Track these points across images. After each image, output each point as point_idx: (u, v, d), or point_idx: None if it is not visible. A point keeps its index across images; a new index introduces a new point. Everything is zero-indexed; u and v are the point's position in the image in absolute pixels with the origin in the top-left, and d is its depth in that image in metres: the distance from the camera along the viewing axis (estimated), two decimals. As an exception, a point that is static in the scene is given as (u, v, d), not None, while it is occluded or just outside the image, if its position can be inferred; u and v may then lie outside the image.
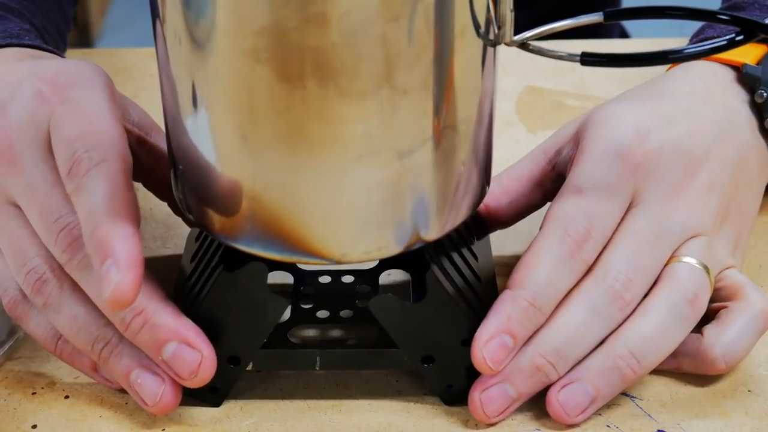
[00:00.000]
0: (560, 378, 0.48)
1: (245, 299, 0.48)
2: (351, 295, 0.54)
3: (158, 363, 0.48)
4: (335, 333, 0.53)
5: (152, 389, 0.48)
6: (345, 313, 0.53)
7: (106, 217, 0.44)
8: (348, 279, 0.55)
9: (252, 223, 0.44)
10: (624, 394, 0.50)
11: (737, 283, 0.51)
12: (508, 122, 0.70)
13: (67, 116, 0.48)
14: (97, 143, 0.46)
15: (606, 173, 0.50)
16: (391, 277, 0.56)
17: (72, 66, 0.50)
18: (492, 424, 0.49)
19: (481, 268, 0.52)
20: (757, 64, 0.56)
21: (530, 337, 0.48)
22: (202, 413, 0.50)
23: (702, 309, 0.49)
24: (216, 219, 0.46)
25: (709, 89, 0.55)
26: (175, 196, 0.48)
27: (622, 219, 0.50)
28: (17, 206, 0.49)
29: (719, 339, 0.50)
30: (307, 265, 0.50)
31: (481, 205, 0.52)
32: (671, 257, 0.50)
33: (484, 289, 0.51)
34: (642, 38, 0.83)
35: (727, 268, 0.52)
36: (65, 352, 0.50)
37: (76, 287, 0.48)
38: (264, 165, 0.43)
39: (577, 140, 0.53)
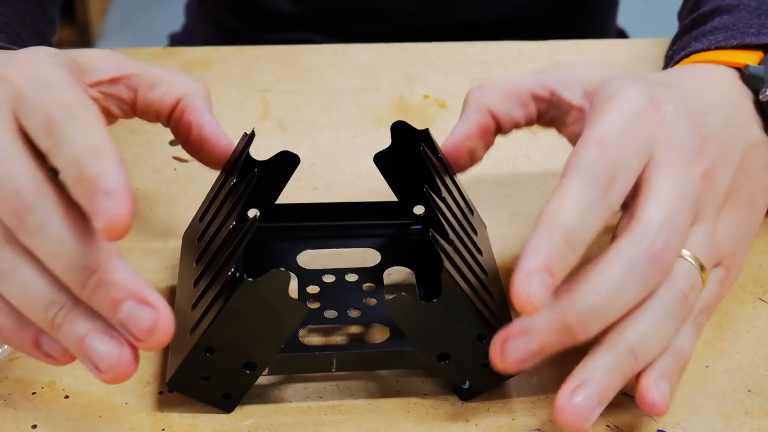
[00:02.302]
0: (568, 380, 0.46)
1: (266, 307, 0.47)
2: (357, 293, 0.54)
3: (116, 325, 0.45)
4: (346, 334, 0.53)
5: (108, 352, 0.45)
6: (353, 313, 0.53)
7: (92, 157, 0.43)
8: (352, 277, 0.55)
9: None
10: (624, 393, 0.50)
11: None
12: (508, 122, 0.69)
13: (31, 90, 0.47)
14: (68, 103, 0.46)
15: (629, 128, 0.49)
16: (392, 276, 0.56)
17: (23, 52, 0.50)
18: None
19: (485, 262, 0.52)
20: (759, 64, 0.56)
21: (562, 293, 0.47)
22: (202, 413, 0.50)
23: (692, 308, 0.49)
24: None
25: (718, 82, 0.56)
26: None
27: (648, 178, 0.49)
28: None
29: None
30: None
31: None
32: None
33: (492, 284, 0.52)
34: (642, 38, 0.83)
35: (717, 265, 0.52)
36: (5, 329, 0.46)
37: (29, 254, 0.45)
38: None
39: (589, 97, 0.53)
